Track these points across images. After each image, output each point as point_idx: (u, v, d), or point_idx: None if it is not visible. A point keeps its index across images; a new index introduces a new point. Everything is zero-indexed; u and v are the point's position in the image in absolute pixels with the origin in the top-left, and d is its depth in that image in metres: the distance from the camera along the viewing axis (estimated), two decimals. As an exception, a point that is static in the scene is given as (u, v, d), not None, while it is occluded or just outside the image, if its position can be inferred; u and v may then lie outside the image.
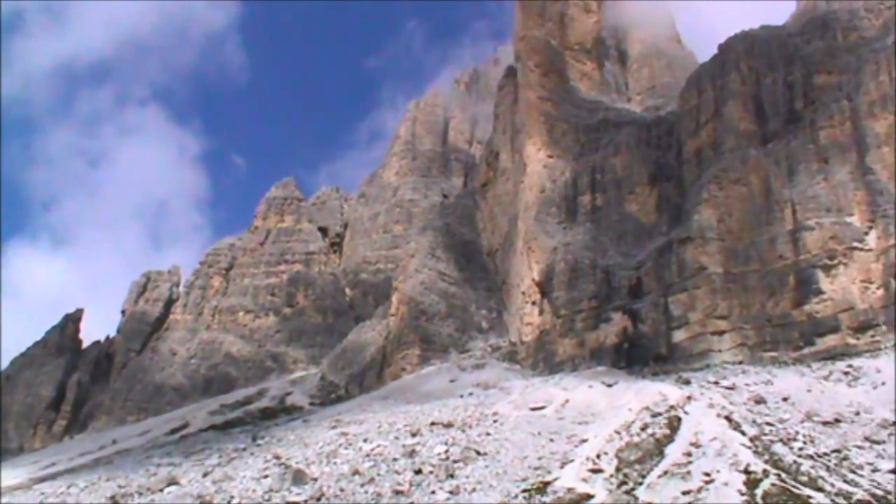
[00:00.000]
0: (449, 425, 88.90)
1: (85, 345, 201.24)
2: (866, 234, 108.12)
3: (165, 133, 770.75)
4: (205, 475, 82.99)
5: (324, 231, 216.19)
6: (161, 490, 79.67)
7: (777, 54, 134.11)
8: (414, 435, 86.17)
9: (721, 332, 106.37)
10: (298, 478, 74.61)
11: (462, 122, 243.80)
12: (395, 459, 78.01)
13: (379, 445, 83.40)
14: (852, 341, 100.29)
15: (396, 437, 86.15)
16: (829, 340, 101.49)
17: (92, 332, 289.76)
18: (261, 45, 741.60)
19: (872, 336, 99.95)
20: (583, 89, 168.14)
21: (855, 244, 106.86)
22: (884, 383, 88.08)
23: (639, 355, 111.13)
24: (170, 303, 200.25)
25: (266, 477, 77.51)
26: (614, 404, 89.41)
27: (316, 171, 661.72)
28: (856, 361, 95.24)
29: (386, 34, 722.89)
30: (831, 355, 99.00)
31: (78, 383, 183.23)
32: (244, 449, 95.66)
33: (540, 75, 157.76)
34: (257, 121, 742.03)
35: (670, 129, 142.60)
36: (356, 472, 74.68)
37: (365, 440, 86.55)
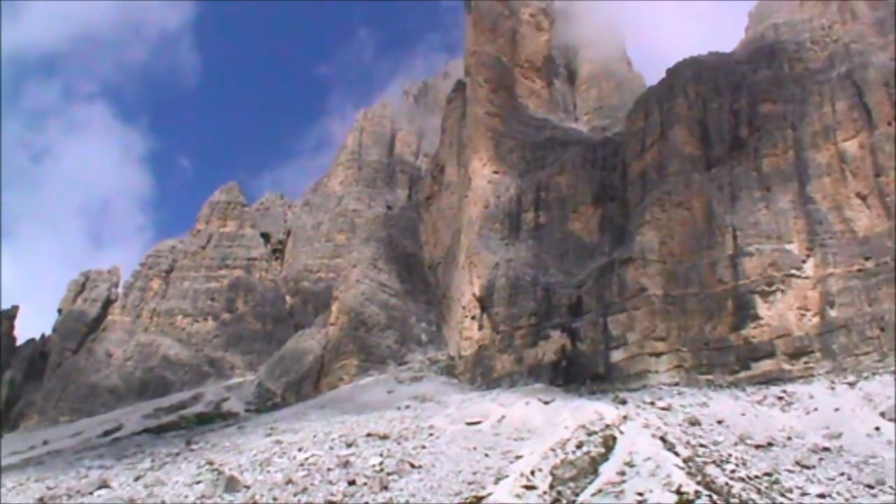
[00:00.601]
0: (385, 437, 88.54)
1: (19, 342, 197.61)
2: (804, 262, 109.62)
3: (112, 131, 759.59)
4: (136, 479, 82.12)
5: (266, 237, 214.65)
6: (91, 493, 78.66)
7: (724, 81, 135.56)
8: (349, 445, 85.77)
9: (659, 354, 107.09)
10: (231, 485, 73.93)
11: (409, 135, 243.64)
12: (329, 470, 77.60)
13: (313, 455, 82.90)
14: (787, 367, 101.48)
15: (331, 448, 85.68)
16: (765, 365, 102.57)
17: (27, 329, 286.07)
18: (214, 47, 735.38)
19: (806, 363, 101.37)
20: (531, 107, 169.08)
21: (793, 272, 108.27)
22: (816, 409, 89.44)
23: (576, 374, 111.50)
24: (108, 303, 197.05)
25: (199, 483, 76.74)
26: (550, 422, 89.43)
27: (260, 176, 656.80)
28: (790, 387, 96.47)
29: (338, 41, 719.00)
30: (766, 380, 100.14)
31: (10, 382, 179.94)
32: (177, 454, 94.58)
33: (489, 91, 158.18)
34: (205, 123, 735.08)
35: (616, 150, 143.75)
36: (289, 482, 74.24)
37: (300, 449, 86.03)
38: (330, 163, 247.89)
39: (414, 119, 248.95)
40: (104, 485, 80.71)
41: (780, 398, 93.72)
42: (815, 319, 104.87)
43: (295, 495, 70.89)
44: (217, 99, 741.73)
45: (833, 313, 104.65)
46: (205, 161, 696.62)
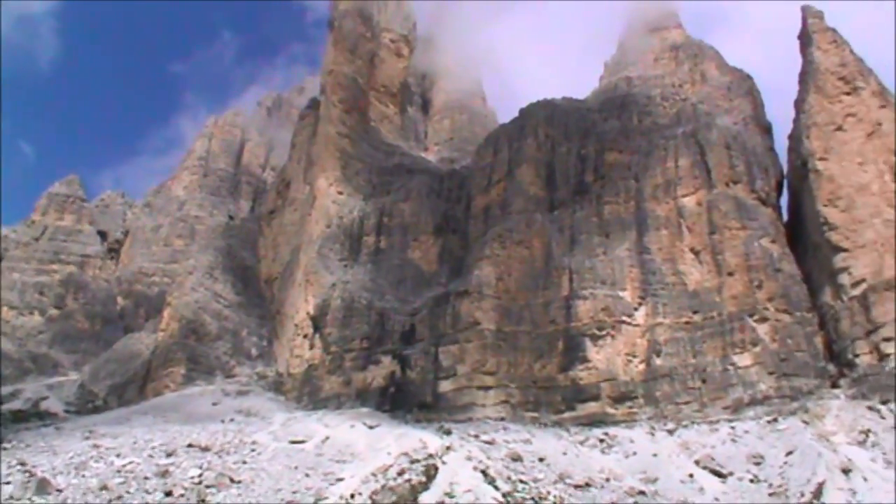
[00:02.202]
0: (206, 449, 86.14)
1: None
2: (636, 309, 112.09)
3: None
4: (-61, 476, 77.77)
5: (103, 235, 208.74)
6: None
7: (574, 126, 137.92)
8: (169, 455, 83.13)
9: (487, 388, 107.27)
10: (42, 487, 70.47)
11: (258, 146, 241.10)
12: (146, 478, 75.08)
13: (132, 462, 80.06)
14: (611, 410, 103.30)
15: (151, 456, 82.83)
16: (590, 407, 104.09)
17: None
18: (76, 34, 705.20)
19: (630, 408, 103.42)
20: (382, 131, 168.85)
21: (624, 318, 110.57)
22: (635, 453, 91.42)
23: (404, 401, 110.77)
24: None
25: (8, 483, 72.66)
26: (374, 446, 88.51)
27: (102, 172, 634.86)
28: (612, 430, 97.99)
29: (198, 40, 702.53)
30: (590, 422, 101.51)
31: None
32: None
33: (342, 111, 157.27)
34: (54, 111, 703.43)
35: (462, 183, 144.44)
36: (104, 488, 71.46)
37: (118, 455, 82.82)
38: (176, 165, 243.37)
39: (265, 131, 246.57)
40: None
41: (602, 440, 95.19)
42: (642, 366, 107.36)
43: (109, 502, 68.40)
44: (70, 87, 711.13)
45: (658, 361, 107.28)
46: (48, 150, 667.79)
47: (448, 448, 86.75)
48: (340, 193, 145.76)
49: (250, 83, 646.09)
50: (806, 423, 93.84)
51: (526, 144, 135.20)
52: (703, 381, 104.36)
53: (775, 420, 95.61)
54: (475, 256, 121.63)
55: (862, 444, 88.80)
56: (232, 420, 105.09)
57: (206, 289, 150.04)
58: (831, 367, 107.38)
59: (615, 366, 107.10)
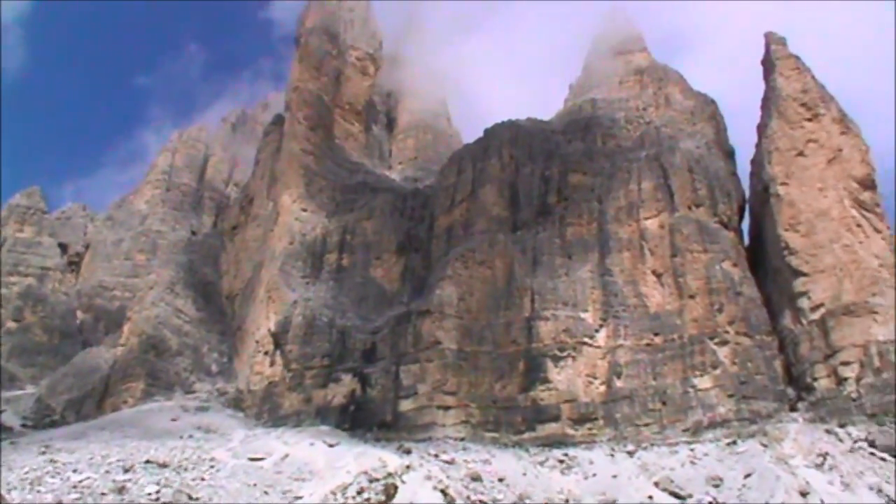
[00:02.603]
0: (164, 465, 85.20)
1: None
2: (597, 331, 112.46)
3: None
4: None
5: (64, 248, 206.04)
6: None
7: (538, 148, 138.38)
8: (126, 471, 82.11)
9: (447, 407, 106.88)
10: (-6, 503, 69.70)
11: (222, 162, 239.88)
12: (103, 494, 74.19)
13: (88, 478, 78.99)
14: (571, 431, 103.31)
15: (108, 472, 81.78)
16: (550, 428, 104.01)
17: None
18: (41, 43, 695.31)
19: (590, 429, 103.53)
20: (347, 149, 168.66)
21: (585, 339, 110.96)
22: (595, 475, 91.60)
23: (364, 419, 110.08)
24: None
25: (-41, 498, 71.97)
26: (333, 465, 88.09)
27: (63, 183, 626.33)
28: (571, 451, 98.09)
29: (164, 53, 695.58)
30: (550, 442, 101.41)
31: None
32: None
33: (307, 128, 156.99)
34: (16, 122, 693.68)
35: (425, 203, 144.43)
36: (60, 504, 70.62)
37: (74, 470, 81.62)
38: (139, 179, 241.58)
39: (229, 147, 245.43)
40: None
41: (562, 461, 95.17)
42: (602, 388, 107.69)
43: (64, 518, 67.61)
44: (33, 98, 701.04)
45: (619, 383, 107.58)
46: (9, 161, 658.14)
47: (408, 467, 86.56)
48: (304, 210, 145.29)
49: (216, 98, 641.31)
50: (765, 445, 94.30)
51: (490, 165, 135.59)
52: (664, 403, 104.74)
53: (734, 443, 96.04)
54: (437, 276, 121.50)
55: (820, 466, 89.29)
56: (191, 436, 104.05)
57: (166, 304, 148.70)
58: (790, 391, 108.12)
59: (576, 387, 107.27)
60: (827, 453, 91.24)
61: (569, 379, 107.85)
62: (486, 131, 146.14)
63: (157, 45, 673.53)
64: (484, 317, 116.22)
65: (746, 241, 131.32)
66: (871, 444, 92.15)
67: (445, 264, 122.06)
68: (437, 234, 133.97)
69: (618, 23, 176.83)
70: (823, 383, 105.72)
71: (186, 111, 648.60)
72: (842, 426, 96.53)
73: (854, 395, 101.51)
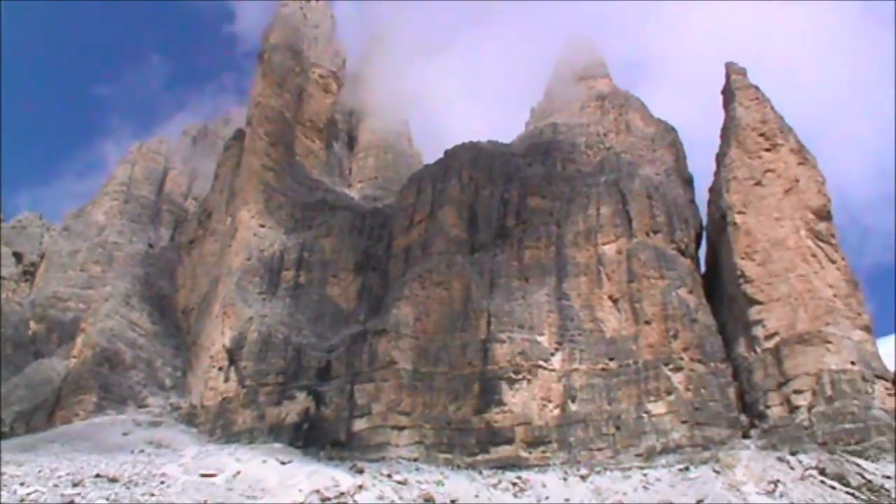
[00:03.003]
0: (114, 480, 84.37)
1: None
2: (553, 354, 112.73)
3: None
4: None
5: (18, 257, 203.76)
6: None
7: (498, 170, 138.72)
8: (76, 485, 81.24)
9: (401, 428, 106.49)
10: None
11: (181, 175, 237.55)
12: (51, 508, 73.34)
13: (36, 491, 78.03)
14: (524, 454, 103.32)
15: (56, 486, 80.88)
16: (503, 451, 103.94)
17: None
18: (9, 47, 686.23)
19: (543, 452, 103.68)
20: (307, 166, 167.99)
21: (541, 363, 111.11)
22: (547, 497, 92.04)
23: (317, 438, 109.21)
24: None
25: None
26: (285, 483, 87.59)
27: (19, 192, 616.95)
28: (525, 474, 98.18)
29: (126, 63, 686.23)
30: (503, 465, 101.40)
31: None
32: None
33: (267, 144, 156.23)
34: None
35: (384, 222, 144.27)
36: (6, 517, 69.61)
37: (22, 483, 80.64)
38: (97, 190, 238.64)
39: (189, 160, 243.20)
40: None
41: (515, 484, 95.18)
42: (556, 411, 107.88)
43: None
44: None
45: (573, 407, 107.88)
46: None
47: (360, 487, 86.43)
48: (262, 226, 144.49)
49: (178, 110, 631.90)
50: (717, 472, 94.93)
51: (449, 186, 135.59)
52: (617, 428, 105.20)
53: (687, 469, 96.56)
54: (394, 295, 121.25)
55: (771, 493, 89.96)
56: (142, 451, 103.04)
57: (121, 317, 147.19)
58: (743, 418, 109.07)
59: (530, 410, 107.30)
60: (778, 480, 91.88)
61: (523, 402, 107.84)
62: (447, 152, 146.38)
63: (120, 54, 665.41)
64: (440, 338, 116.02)
65: (703, 268, 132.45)
66: (822, 473, 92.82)
67: (403, 284, 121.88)
68: (395, 254, 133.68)
69: (581, 49, 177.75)
70: (776, 411, 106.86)
71: (147, 123, 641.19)
72: (793, 454, 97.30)
73: (806, 424, 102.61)
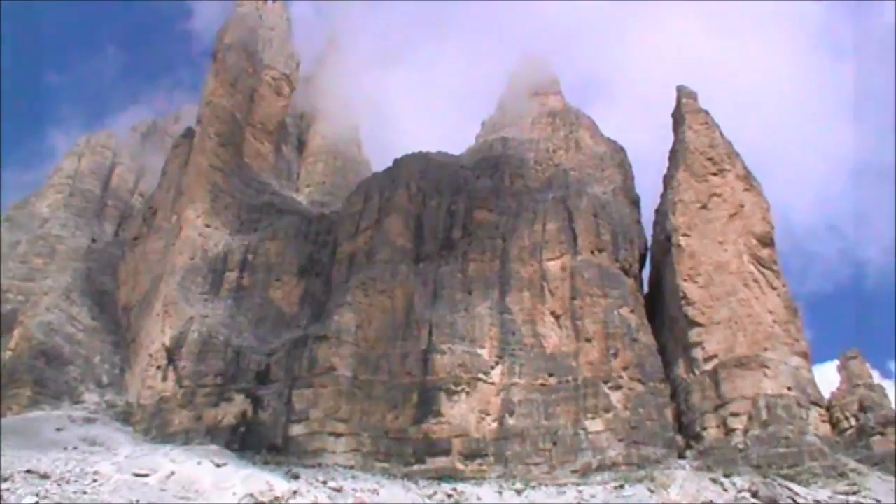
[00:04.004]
0: (45, 476, 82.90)
1: None
2: (492, 367, 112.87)
3: None
4: None
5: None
6: None
7: (447, 181, 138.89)
8: (5, 480, 79.60)
9: (338, 435, 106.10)
10: None
11: (129, 171, 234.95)
12: (-25, 503, 72.06)
13: (-38, 486, 76.71)
14: (461, 466, 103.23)
15: (-16, 481, 79.52)
16: (440, 462, 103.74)
17: None
18: None
19: (480, 465, 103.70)
20: (255, 168, 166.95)
21: (480, 375, 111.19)
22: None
23: (254, 441, 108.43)
24: None
25: None
26: (219, 486, 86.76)
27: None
28: (460, 486, 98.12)
29: (79, 52, 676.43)
30: (439, 476, 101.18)
31: None
32: None
33: (217, 144, 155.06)
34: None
35: (330, 228, 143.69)
36: (-72, 512, 68.27)
37: (-52, 477, 79.34)
38: (42, 181, 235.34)
39: (137, 156, 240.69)
40: None
41: (450, 496, 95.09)
42: (494, 425, 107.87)
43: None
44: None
45: (511, 421, 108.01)
46: None
47: (295, 492, 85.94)
48: (207, 226, 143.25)
49: (131, 103, 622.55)
50: (651, 491, 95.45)
51: (397, 195, 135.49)
52: (554, 444, 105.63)
53: (622, 486, 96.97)
54: (337, 302, 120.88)
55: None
56: (76, 448, 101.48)
57: (61, 311, 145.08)
58: (679, 438, 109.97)
59: (468, 422, 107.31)
60: (711, 502, 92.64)
61: (461, 414, 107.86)
62: (396, 161, 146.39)
63: (73, 42, 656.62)
64: (381, 346, 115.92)
65: (646, 288, 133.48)
66: (754, 495, 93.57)
67: (346, 291, 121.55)
68: (340, 260, 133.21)
69: (535, 65, 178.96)
70: (712, 433, 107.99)
71: (98, 114, 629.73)
72: (727, 476, 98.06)
73: (741, 446, 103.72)
